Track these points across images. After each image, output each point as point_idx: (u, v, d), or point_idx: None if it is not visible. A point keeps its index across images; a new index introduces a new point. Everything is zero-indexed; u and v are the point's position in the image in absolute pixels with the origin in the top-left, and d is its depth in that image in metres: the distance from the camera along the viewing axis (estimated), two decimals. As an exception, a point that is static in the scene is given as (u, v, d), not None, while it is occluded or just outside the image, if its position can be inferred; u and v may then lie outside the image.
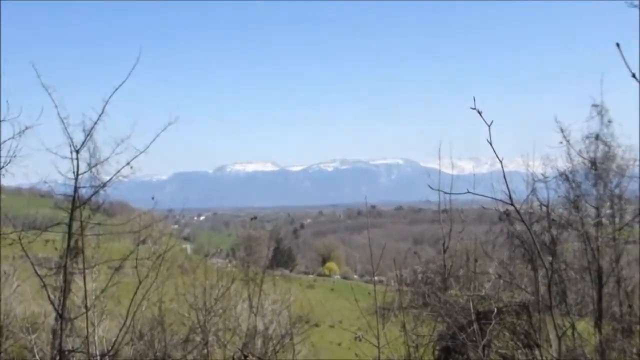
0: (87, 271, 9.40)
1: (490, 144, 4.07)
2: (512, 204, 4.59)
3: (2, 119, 7.90)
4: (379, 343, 6.09)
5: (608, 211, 11.23)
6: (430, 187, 5.39)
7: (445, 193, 8.92)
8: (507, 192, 4.72)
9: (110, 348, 8.11)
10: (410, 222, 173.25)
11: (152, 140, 8.14)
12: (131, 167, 8.25)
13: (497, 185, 8.56)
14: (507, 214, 10.73)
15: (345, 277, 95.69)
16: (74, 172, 8.28)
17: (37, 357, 10.59)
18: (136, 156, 8.17)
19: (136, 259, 8.28)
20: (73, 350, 8.63)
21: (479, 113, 4.02)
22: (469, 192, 4.61)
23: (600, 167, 11.21)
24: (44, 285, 8.28)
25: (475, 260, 11.64)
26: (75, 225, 8.49)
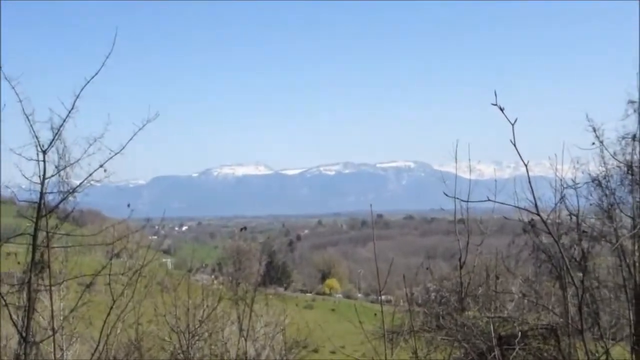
0: (54, 288, 9.30)
1: (514, 145, 3.94)
2: (537, 214, 4.53)
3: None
4: (386, 371, 5.99)
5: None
6: (446, 194, 5.34)
7: (462, 201, 8.91)
8: (533, 200, 4.66)
9: (80, 376, 8.01)
10: (422, 233, 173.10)
11: (128, 139, 7.98)
12: (105, 170, 8.12)
13: (521, 191, 8.50)
14: (532, 224, 10.66)
15: (348, 296, 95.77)
16: (40, 176, 8.17)
17: (-4, 386, 10.44)
18: (110, 157, 8.03)
19: (109, 274, 8.24)
20: (38, 379, 8.50)
21: (501, 110, 3.94)
22: (489, 199, 4.56)
23: (637, 171, 11.13)
24: (6, 304, 8.20)
25: (497, 277, 11.61)
26: (41, 236, 8.38)
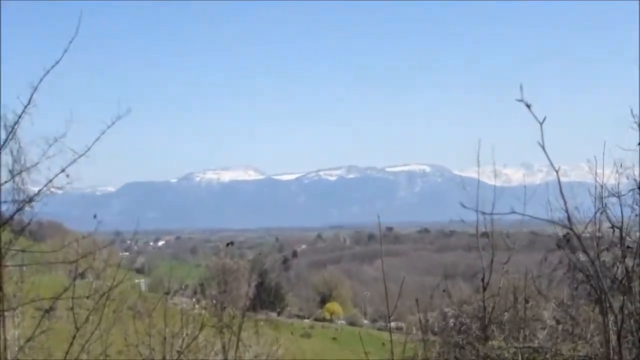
0: (7, 314, 9.31)
1: (542, 147, 3.83)
2: (570, 228, 4.48)
3: None
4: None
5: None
6: (463, 206, 5.25)
7: (485, 214, 8.88)
8: (566, 211, 4.60)
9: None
10: (439, 249, 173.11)
11: (95, 139, 7.84)
12: (67, 176, 7.99)
13: (555, 200, 8.44)
14: (567, 239, 10.61)
15: (351, 323, 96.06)
16: (-10, 182, 8.36)
17: None
18: (74, 161, 7.90)
19: (73, 297, 8.16)
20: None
21: (528, 107, 3.86)
22: (514, 212, 4.53)
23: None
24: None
25: (526, 301, 11.59)
26: (-8, 252, 8.65)
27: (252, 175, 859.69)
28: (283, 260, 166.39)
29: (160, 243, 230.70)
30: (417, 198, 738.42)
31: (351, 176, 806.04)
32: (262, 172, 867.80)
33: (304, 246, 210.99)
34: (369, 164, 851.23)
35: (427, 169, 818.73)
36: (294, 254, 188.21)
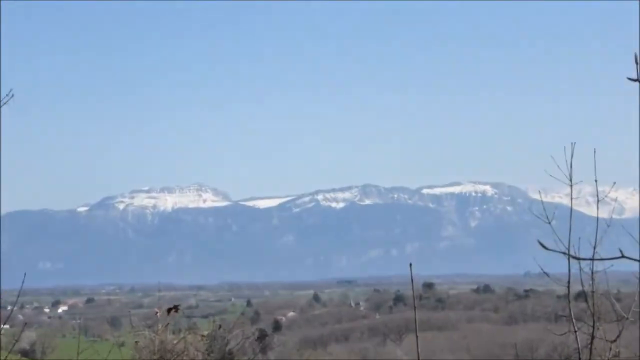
0: None
1: None
2: None
3: None
4: None
5: None
6: (545, 247, 5.24)
7: (581, 259, 8.80)
8: None
9: None
10: (509, 318, 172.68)
11: None
12: None
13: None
14: None
15: None
16: None
17: None
18: None
19: None
20: None
21: None
22: (627, 257, 4.52)
23: None
24: None
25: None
26: None
27: (209, 201, 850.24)
28: (259, 336, 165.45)
29: (62, 309, 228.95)
30: (473, 236, 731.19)
31: (368, 202, 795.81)
32: (226, 195, 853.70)
33: (291, 313, 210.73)
34: (394, 182, 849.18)
35: (489, 190, 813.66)
36: (277, 326, 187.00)
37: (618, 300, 12.16)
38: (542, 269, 11.30)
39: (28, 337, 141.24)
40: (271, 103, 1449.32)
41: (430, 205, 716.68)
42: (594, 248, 9.78)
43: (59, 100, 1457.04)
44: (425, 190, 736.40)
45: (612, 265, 8.61)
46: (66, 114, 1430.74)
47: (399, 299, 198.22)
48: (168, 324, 25.91)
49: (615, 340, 11.52)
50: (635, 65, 5.77)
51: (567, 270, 11.11)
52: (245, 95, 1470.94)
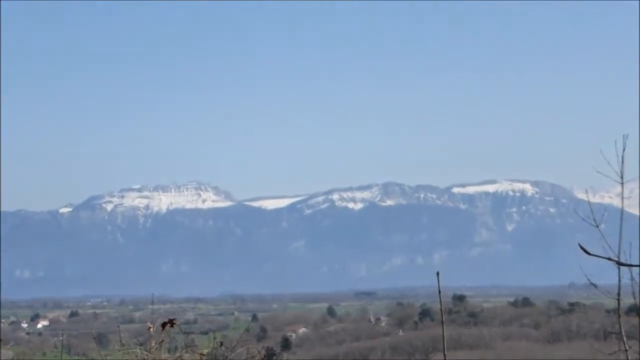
0: None
1: None
2: None
3: None
4: None
5: None
6: (587, 253, 5.24)
7: (633, 266, 8.72)
8: None
9: None
10: (551, 336, 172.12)
11: None
12: None
13: None
14: None
15: None
16: None
17: None
18: None
19: None
20: None
21: None
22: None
23: None
24: None
25: None
26: None
27: (209, 201, 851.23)
28: (266, 356, 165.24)
29: (42, 324, 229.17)
30: (510, 242, 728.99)
31: (390, 202, 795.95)
32: (228, 194, 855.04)
33: (303, 329, 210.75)
34: (421, 180, 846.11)
35: (529, 189, 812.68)
36: (286, 344, 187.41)
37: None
38: (589, 280, 11.26)
39: (4, 356, 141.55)
40: (279, 91, 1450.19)
41: (462, 206, 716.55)
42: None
43: (38, 90, 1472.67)
44: (455, 189, 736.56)
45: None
46: (46, 105, 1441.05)
47: (425, 313, 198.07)
48: (162, 340, 25.89)
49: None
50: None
51: (617, 281, 11.06)
52: (250, 83, 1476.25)
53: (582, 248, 6.84)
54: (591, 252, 6.75)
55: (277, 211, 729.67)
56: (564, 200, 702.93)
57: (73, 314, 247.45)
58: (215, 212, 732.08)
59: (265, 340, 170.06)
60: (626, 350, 11.46)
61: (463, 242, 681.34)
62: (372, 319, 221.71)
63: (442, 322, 14.05)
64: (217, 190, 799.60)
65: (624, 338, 11.54)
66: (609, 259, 8.34)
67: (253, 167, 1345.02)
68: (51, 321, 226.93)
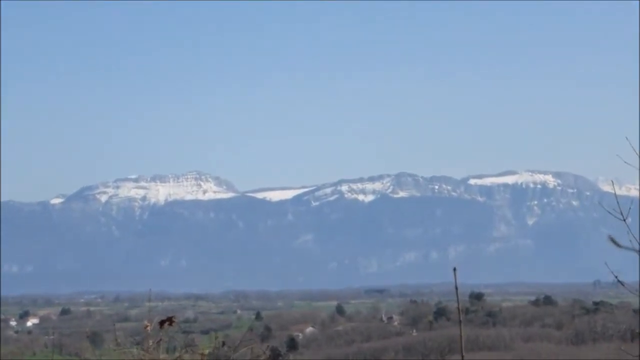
0: None
1: None
2: None
3: None
4: None
5: None
6: (615, 242, 5.26)
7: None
8: None
9: None
10: (575, 336, 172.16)
11: None
12: None
13: None
14: None
15: None
16: None
17: None
18: None
19: None
20: None
21: None
22: None
23: None
24: None
25: None
26: None
27: (210, 192, 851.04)
28: (271, 356, 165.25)
29: (32, 322, 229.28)
30: (530, 236, 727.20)
31: (402, 194, 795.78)
32: (230, 185, 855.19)
33: (310, 329, 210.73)
34: (436, 171, 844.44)
35: (551, 180, 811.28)
36: (292, 344, 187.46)
37: None
38: (615, 277, 11.30)
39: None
40: (284, 76, 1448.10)
41: (479, 198, 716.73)
42: None
43: (28, 76, 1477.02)
44: (472, 181, 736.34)
45: None
46: (37, 89, 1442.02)
47: (440, 312, 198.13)
48: (160, 340, 25.93)
49: None
50: None
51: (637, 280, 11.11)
52: (253, 68, 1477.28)
53: (612, 240, 6.81)
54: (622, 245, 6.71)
55: (283, 203, 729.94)
56: (588, 193, 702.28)
57: (65, 312, 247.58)
58: (217, 204, 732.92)
59: (269, 340, 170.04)
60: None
61: (480, 237, 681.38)
62: (384, 318, 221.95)
63: (460, 322, 14.09)
64: (218, 181, 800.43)
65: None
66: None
67: (257, 157, 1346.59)
68: (41, 319, 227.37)
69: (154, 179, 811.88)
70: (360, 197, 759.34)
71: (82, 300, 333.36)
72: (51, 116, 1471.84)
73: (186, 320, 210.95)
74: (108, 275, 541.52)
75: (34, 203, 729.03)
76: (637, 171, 10.83)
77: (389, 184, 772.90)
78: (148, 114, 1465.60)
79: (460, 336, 13.84)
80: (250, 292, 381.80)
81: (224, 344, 30.69)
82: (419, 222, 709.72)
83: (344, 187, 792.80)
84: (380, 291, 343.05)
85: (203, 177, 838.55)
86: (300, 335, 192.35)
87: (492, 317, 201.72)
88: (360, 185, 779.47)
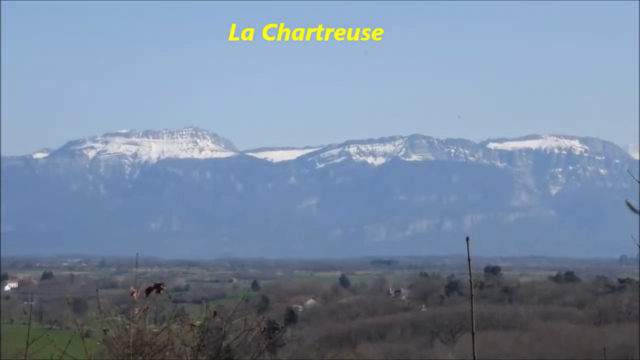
0: None
1: None
2: None
3: None
4: None
5: None
6: (631, 207, 5.23)
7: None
8: None
9: None
10: (598, 316, 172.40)
11: None
12: None
13: None
14: None
15: None
16: None
17: None
18: None
19: None
20: None
21: None
22: None
23: None
24: None
25: None
26: None
27: (207, 150, 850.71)
28: (267, 329, 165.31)
29: (10, 286, 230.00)
30: (553, 207, 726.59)
31: (415, 157, 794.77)
32: (229, 143, 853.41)
33: (311, 301, 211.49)
34: (452, 133, 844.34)
35: (577, 146, 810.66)
36: (291, 317, 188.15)
37: None
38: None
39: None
40: (289, 24, 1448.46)
41: (499, 164, 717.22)
42: None
43: (15, 26, 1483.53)
44: (492, 145, 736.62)
45: None
46: (23, 40, 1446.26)
47: (452, 286, 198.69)
48: (147, 308, 25.95)
49: None
50: None
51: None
52: (256, 16, 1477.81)
53: (629, 205, 6.80)
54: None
55: (285, 164, 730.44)
56: (617, 160, 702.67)
57: (46, 276, 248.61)
58: (214, 163, 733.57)
59: (266, 312, 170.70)
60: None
61: (499, 206, 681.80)
62: (391, 292, 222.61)
63: (471, 296, 14.10)
64: (216, 138, 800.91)
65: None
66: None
67: (258, 113, 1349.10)
68: (20, 283, 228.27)
69: (146, 134, 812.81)
70: (370, 159, 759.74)
71: (65, 264, 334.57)
72: (37, 65, 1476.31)
73: (177, 289, 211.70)
74: (94, 238, 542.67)
75: (15, 157, 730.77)
76: None
77: (401, 146, 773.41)
78: (141, 62, 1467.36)
79: (472, 312, 13.86)
80: (247, 259, 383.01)
81: (215, 314, 30.76)
82: (433, 188, 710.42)
83: (352, 149, 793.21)
84: (388, 262, 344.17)
85: (200, 133, 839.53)
86: (300, 308, 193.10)
87: (509, 293, 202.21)
88: (369, 147, 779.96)
